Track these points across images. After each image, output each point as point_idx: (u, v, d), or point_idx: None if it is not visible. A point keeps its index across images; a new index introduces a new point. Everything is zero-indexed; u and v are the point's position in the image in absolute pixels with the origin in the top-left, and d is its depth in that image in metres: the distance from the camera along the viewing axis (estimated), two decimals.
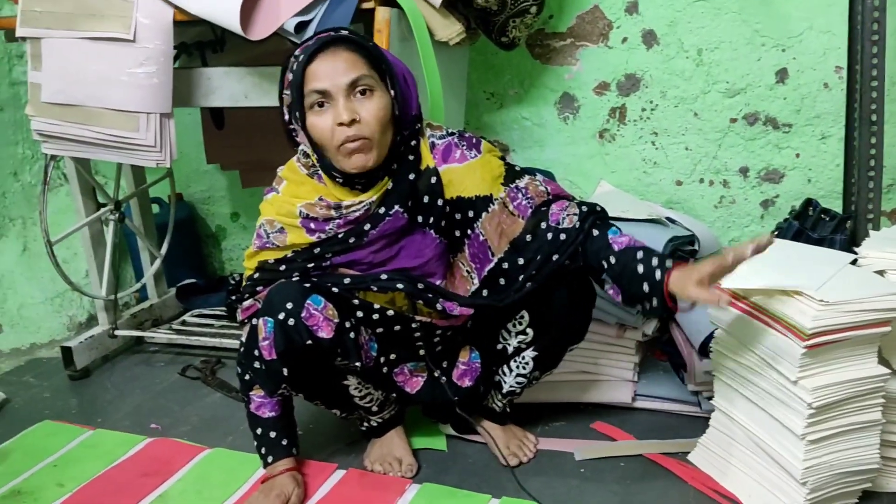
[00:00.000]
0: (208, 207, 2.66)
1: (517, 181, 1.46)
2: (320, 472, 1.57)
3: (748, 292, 1.37)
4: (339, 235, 1.44)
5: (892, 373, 1.35)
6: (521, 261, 1.43)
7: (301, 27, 1.56)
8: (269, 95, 1.72)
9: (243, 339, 1.49)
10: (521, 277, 1.43)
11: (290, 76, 1.38)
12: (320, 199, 1.43)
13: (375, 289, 1.42)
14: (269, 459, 1.50)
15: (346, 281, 1.42)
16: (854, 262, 1.43)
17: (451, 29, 1.74)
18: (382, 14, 1.61)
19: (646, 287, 1.33)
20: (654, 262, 1.32)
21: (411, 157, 1.45)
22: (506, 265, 1.45)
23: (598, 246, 1.39)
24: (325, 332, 1.36)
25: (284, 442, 1.50)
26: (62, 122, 1.77)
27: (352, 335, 1.41)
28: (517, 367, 1.55)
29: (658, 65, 2.09)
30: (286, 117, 1.43)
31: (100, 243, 2.14)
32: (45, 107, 1.77)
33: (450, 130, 1.50)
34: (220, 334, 2.17)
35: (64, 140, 1.81)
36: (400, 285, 1.41)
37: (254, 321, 1.42)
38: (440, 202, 1.45)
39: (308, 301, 1.36)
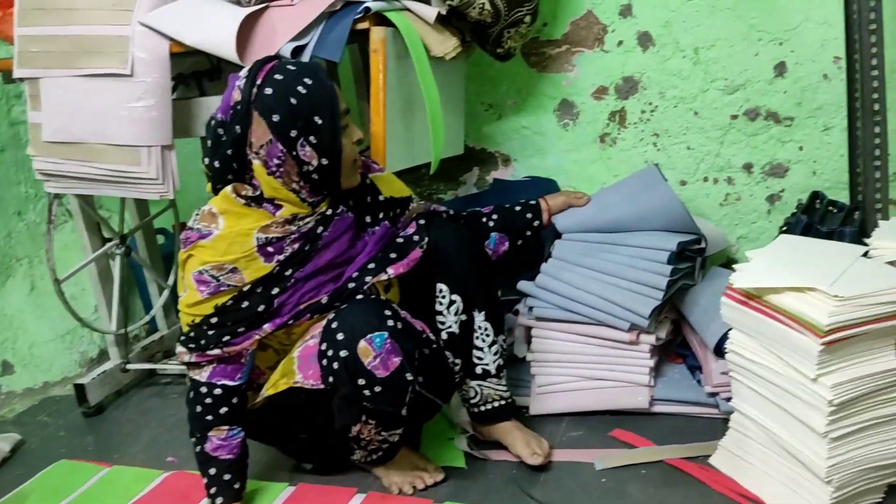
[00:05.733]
0: None
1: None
2: (339, 497, 1.56)
3: (761, 291, 1.36)
4: (296, 249, 1.45)
5: None
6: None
7: (297, 52, 1.57)
8: None
9: (194, 376, 1.48)
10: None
11: (292, 100, 1.38)
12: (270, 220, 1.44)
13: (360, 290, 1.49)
14: (219, 501, 1.51)
15: (324, 301, 1.47)
16: (865, 254, 1.42)
17: (446, 44, 1.74)
18: (378, 34, 1.61)
19: (529, 215, 1.77)
20: (523, 200, 1.80)
21: None
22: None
23: (475, 219, 1.74)
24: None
25: (237, 486, 1.52)
26: (64, 160, 1.77)
27: None
28: (482, 340, 1.60)
29: (655, 66, 2.08)
30: (229, 153, 1.42)
31: (107, 278, 2.14)
32: (46, 146, 1.78)
33: None
34: None
35: (67, 178, 1.81)
36: (351, 285, 1.48)
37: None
38: (381, 198, 1.58)
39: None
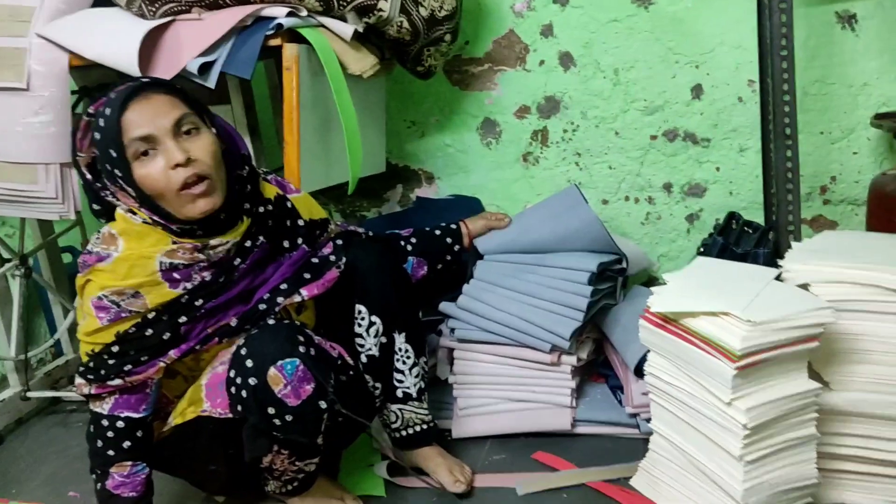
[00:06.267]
0: None
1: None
2: None
3: (677, 315, 1.36)
4: (207, 279, 1.38)
5: (823, 386, 1.35)
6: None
7: (205, 69, 1.50)
8: None
9: (95, 408, 1.41)
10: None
11: (95, 135, 1.32)
12: (176, 242, 1.36)
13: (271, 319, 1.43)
14: None
15: (233, 324, 1.40)
16: (778, 277, 1.43)
17: (364, 62, 1.70)
18: (290, 51, 1.57)
19: (449, 239, 1.74)
20: (443, 224, 1.77)
21: (256, 193, 1.46)
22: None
23: (393, 242, 1.70)
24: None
25: None
26: None
27: None
28: (402, 362, 1.57)
29: (576, 86, 2.09)
30: (89, 179, 1.38)
31: (6, 301, 2.03)
32: None
33: (264, 170, 1.58)
34: None
35: None
36: (262, 306, 1.43)
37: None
38: (301, 222, 1.52)
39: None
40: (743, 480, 1.29)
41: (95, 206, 1.42)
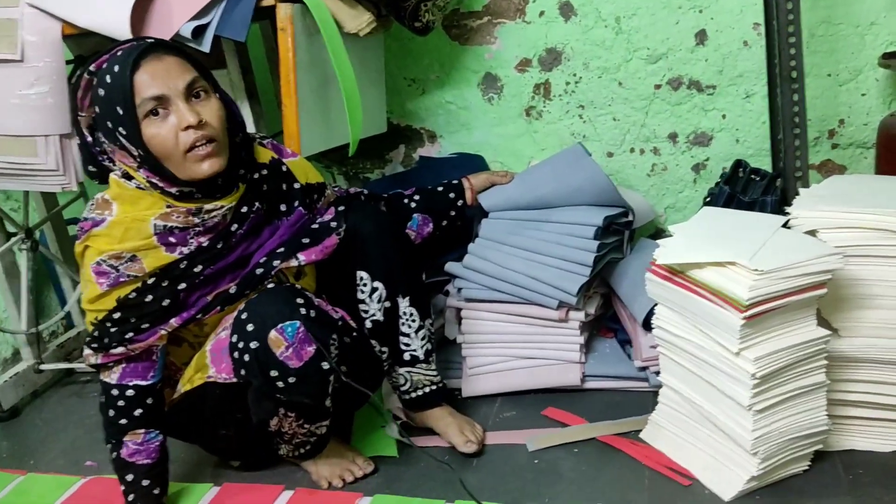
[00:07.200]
0: None
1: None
2: (265, 496, 1.52)
3: (684, 267, 1.35)
4: (204, 244, 1.39)
5: (832, 333, 1.34)
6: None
7: (198, 32, 1.48)
8: None
9: (104, 379, 1.42)
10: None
11: (101, 91, 1.32)
12: (170, 206, 1.36)
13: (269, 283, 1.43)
14: None
15: (233, 291, 1.41)
16: (786, 224, 1.42)
17: (359, 19, 1.67)
18: (285, 11, 1.54)
19: (451, 195, 1.74)
20: (445, 181, 1.77)
21: (250, 158, 1.46)
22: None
23: (396, 201, 1.71)
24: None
25: (157, 491, 1.46)
26: None
27: None
28: (408, 326, 1.57)
29: (578, 36, 2.04)
30: (90, 140, 1.39)
31: (14, 275, 2.03)
32: None
33: (261, 134, 1.59)
34: None
35: None
36: (259, 270, 1.43)
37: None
38: (297, 185, 1.51)
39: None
40: (752, 430, 1.30)
41: (91, 168, 1.43)
